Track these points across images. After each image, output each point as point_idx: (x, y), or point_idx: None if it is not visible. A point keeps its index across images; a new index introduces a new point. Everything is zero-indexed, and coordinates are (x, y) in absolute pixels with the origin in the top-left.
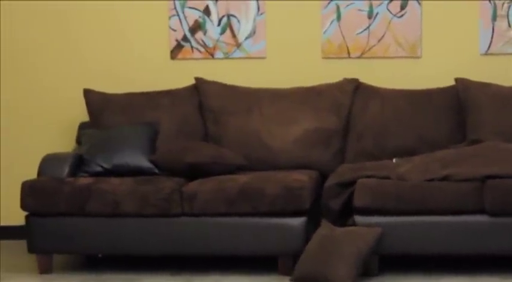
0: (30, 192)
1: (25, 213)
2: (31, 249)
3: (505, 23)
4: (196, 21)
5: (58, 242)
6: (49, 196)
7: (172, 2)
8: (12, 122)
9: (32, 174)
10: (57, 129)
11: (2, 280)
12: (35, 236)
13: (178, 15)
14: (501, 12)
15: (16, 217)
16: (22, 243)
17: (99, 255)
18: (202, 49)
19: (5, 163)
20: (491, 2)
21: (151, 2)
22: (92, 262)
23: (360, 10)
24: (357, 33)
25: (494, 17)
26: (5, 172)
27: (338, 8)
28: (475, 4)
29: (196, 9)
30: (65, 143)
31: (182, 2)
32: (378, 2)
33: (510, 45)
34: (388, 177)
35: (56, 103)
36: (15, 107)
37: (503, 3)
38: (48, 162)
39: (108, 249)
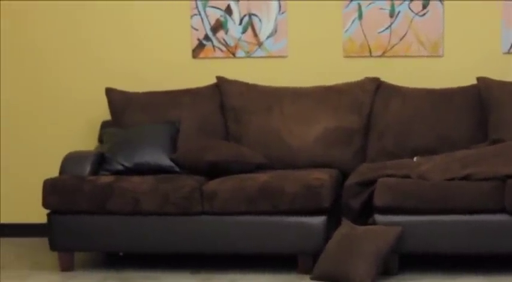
0: (52, 191)
1: (47, 211)
2: (53, 247)
3: None
4: (217, 20)
5: (79, 239)
6: (70, 194)
7: (194, 1)
8: (35, 121)
9: (54, 172)
10: (79, 128)
11: (25, 277)
12: (56, 234)
13: (200, 14)
14: None
15: (38, 215)
16: (44, 241)
17: (120, 253)
18: (223, 48)
19: (27, 161)
20: None
21: (173, 2)
22: (112, 260)
23: (381, 9)
24: (379, 32)
25: None
26: (28, 170)
27: (360, 6)
28: (498, 3)
29: (217, 8)
30: (87, 142)
31: (204, 1)
32: (400, 1)
33: None
34: (408, 176)
35: (79, 102)
36: (38, 106)
37: None
38: (70, 161)
39: (129, 247)
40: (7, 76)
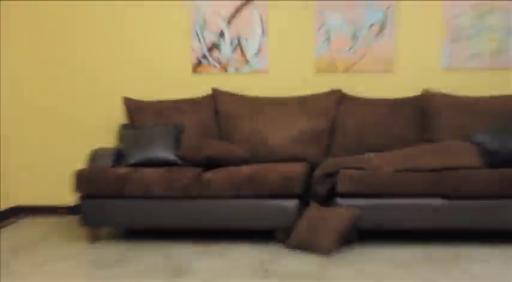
0: (81, 179)
1: (78, 194)
2: (83, 223)
3: (463, 44)
4: (213, 42)
5: (104, 217)
6: (95, 182)
7: (193, 27)
8: (70, 124)
9: (81, 164)
10: (103, 129)
11: (59, 248)
12: (86, 213)
13: (198, 37)
14: (460, 35)
15: (68, 198)
16: (73, 219)
17: (136, 230)
18: (217, 65)
19: (63, 155)
20: (451, 25)
21: (177, 27)
22: (130, 233)
23: (346, 33)
24: (344, 52)
25: (454, 39)
26: (64, 163)
27: (328, 31)
28: (441, 28)
29: (212, 32)
30: (109, 140)
31: (202, 26)
32: (361, 27)
33: (466, 62)
34: (363, 168)
35: (102, 108)
36: (70, 111)
37: (463, 29)
38: (96, 155)
39: (142, 224)
40: (50, 88)
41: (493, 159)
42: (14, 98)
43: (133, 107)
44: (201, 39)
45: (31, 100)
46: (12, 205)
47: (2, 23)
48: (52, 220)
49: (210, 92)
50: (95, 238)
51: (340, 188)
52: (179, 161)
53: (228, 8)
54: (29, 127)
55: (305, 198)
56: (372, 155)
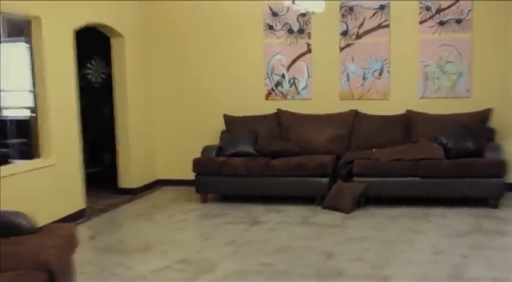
0: (197, 163)
1: (194, 173)
2: (197, 191)
3: (431, 82)
4: (278, 81)
5: (210, 187)
6: (205, 166)
7: (266, 71)
8: (192, 129)
9: (197, 154)
10: (211, 133)
11: (183, 206)
12: (199, 184)
13: (269, 77)
14: (429, 76)
15: (188, 175)
16: (191, 188)
17: (229, 195)
18: (281, 95)
19: (187, 148)
20: (424, 70)
21: (258, 71)
22: (225, 197)
23: (358, 75)
24: (357, 87)
25: (426, 78)
26: (187, 153)
27: (348, 74)
28: (418, 72)
29: (278, 74)
30: (214, 140)
31: (271, 71)
32: (368, 72)
33: (433, 93)
34: (369, 158)
35: (211, 121)
36: (195, 122)
37: (432, 72)
38: (206, 149)
39: (233, 192)
40: (182, 105)
41: (449, 153)
42: (161, 112)
43: (229, 119)
44: (271, 79)
45: (170, 112)
46: (155, 179)
47: (153, 61)
48: (179, 188)
49: (275, 111)
50: (204, 200)
51: (355, 170)
52: (256, 153)
53: (287, 60)
54: (168, 129)
55: (333, 176)
56: (374, 150)
